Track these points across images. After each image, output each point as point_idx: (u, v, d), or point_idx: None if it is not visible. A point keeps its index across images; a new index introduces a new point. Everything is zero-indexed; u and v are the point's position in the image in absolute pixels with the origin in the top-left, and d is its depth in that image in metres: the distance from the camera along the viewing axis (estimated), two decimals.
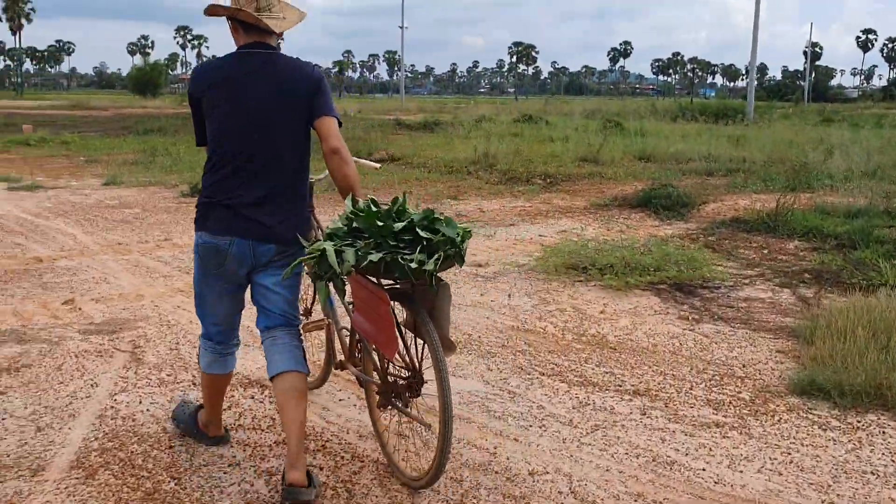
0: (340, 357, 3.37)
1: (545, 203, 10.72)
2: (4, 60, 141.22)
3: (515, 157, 14.79)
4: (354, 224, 2.72)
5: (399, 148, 16.92)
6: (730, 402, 3.86)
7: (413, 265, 2.57)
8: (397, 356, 2.87)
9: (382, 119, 30.49)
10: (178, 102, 56.75)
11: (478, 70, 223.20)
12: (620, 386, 4.06)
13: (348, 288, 2.84)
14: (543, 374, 4.20)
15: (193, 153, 16.12)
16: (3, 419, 3.51)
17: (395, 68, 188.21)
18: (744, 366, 4.36)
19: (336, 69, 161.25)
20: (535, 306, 5.51)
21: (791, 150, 15.76)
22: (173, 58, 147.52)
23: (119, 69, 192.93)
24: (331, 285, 2.75)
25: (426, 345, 2.76)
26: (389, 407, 2.99)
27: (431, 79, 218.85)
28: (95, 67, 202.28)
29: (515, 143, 17.52)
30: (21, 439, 3.31)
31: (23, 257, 6.77)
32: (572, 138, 19.66)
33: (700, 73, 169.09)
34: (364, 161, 3.58)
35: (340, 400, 3.85)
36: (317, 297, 3.44)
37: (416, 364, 2.87)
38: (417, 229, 2.65)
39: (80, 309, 5.26)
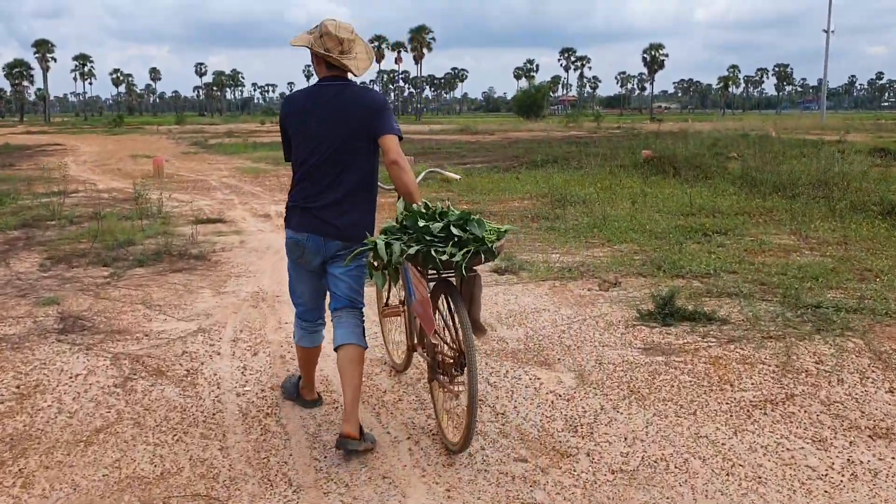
0: (414, 341, 3.82)
1: None
2: (409, 88, 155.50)
3: None
4: (403, 222, 3.17)
5: None
6: None
7: (444, 257, 2.99)
8: (440, 336, 3.29)
9: (809, 139, 22.61)
10: (565, 124, 53.74)
11: (881, 82, 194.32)
12: None
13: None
14: None
15: (611, 202, 10.91)
16: None
17: (784, 83, 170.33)
18: None
19: (720, 85, 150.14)
20: None
21: None
22: (555, 80, 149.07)
23: (504, 93, 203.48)
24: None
25: (460, 326, 3.10)
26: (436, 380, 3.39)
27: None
28: (484, 92, 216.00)
29: None
30: None
31: None
32: None
33: None
34: (446, 172, 4.23)
35: None
36: (391, 289, 4.10)
37: (461, 345, 3.13)
38: (452, 228, 3.07)
39: None
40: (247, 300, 5.91)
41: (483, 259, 3.04)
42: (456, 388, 3.18)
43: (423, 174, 4.11)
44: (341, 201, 3.30)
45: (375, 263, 3.17)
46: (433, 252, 3.00)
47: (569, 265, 6.94)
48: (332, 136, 3.28)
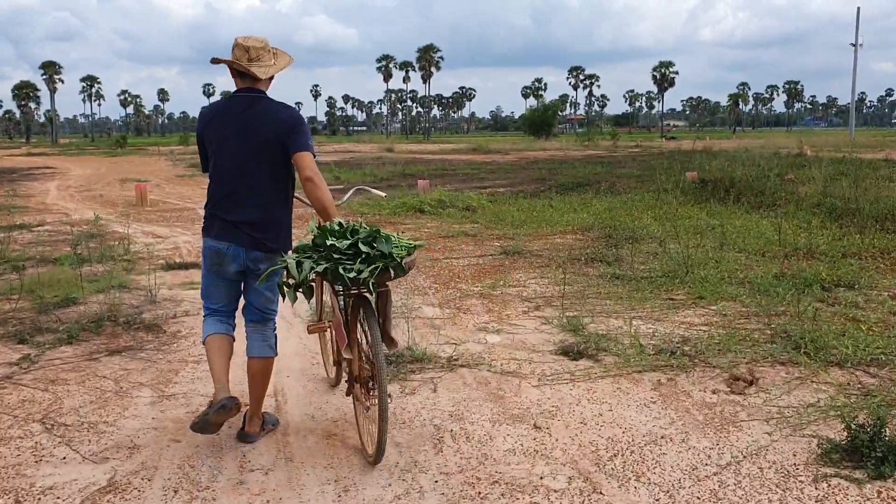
0: (339, 355, 3.95)
1: None
2: (417, 108, 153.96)
3: None
4: (315, 241, 3.18)
5: None
6: None
7: (351, 274, 3.00)
8: (362, 350, 3.31)
9: (870, 159, 20.55)
10: (581, 142, 51.81)
11: (891, 98, 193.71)
12: None
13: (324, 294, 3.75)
14: None
15: (677, 238, 8.92)
16: None
17: (794, 100, 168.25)
18: None
19: (730, 102, 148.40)
20: None
21: None
22: (563, 98, 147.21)
23: (512, 112, 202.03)
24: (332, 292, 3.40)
25: (371, 342, 3.16)
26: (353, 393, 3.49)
27: (833, 110, 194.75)
28: (491, 111, 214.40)
29: None
30: None
31: None
32: None
33: None
34: (373, 190, 4.22)
35: None
36: (321, 305, 4.05)
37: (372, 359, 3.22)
38: (360, 244, 3.07)
39: None
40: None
41: (393, 275, 3.07)
42: (368, 401, 3.25)
43: (350, 192, 4.22)
44: (259, 213, 3.36)
45: (290, 281, 3.19)
46: (341, 269, 3.01)
47: (665, 342, 4.92)
48: (246, 148, 3.34)
